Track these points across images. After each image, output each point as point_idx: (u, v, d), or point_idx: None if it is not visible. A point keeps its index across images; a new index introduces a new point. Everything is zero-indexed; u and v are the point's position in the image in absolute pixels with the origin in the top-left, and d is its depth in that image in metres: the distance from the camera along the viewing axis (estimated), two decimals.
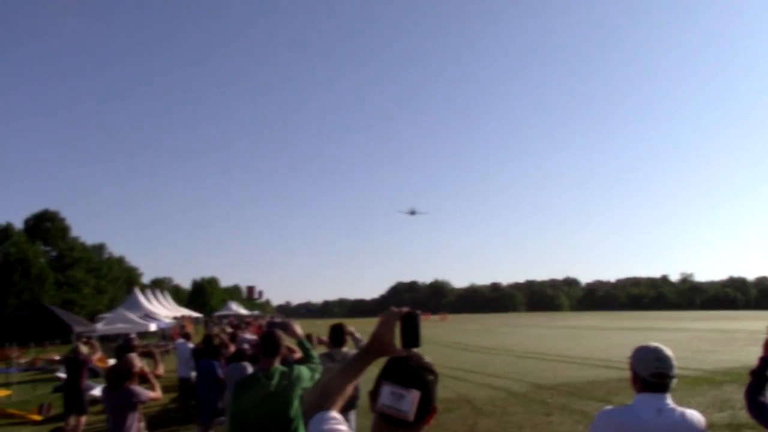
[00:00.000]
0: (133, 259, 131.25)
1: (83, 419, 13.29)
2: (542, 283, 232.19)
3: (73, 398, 13.24)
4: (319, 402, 2.24)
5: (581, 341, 35.37)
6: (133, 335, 22.17)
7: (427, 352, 2.03)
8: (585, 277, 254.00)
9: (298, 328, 5.93)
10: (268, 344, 5.20)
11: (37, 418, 15.54)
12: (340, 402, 2.27)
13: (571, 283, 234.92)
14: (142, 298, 44.20)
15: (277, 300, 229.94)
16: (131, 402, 7.18)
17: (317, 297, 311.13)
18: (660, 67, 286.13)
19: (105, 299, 71.24)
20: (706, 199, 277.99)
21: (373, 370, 2.31)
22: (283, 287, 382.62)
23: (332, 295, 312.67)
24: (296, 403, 5.16)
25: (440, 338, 42.12)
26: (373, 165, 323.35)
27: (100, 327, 27.63)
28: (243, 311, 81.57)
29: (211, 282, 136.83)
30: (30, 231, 68.36)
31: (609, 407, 3.47)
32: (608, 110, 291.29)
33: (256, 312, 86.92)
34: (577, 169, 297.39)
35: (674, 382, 3.24)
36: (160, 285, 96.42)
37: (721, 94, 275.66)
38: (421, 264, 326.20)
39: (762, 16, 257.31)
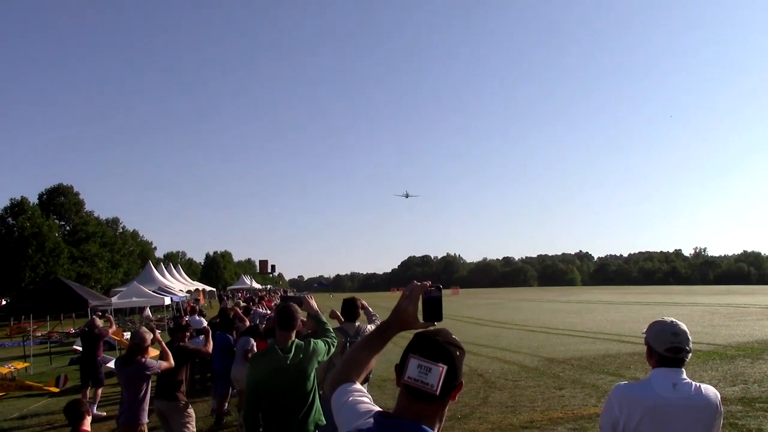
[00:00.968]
0: (147, 234, 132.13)
1: (99, 391, 13.49)
2: (554, 258, 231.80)
3: (90, 371, 13.42)
4: (342, 374, 2.28)
5: (593, 315, 35.33)
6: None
7: (439, 325, 2.04)
8: (597, 252, 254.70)
9: (313, 302, 5.96)
10: (285, 318, 5.22)
11: (55, 389, 15.73)
12: (363, 374, 2.31)
13: (583, 257, 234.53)
14: (156, 272, 44.45)
15: (289, 274, 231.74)
16: (144, 374, 7.33)
17: (329, 271, 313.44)
18: (671, 42, 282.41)
19: (119, 273, 71.57)
20: (720, 174, 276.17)
21: (387, 345, 2.34)
22: (295, 261, 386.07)
23: (344, 269, 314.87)
24: (312, 376, 5.20)
25: (452, 312, 42.14)
26: (388, 140, 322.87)
27: (115, 301, 27.86)
28: (256, 285, 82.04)
29: (225, 256, 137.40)
30: (44, 205, 68.55)
31: (624, 382, 3.47)
32: (624, 87, 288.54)
33: (269, 286, 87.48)
34: (591, 144, 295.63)
35: (689, 356, 3.24)
36: (173, 259, 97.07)
37: (733, 69, 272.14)
38: (433, 239, 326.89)
39: None
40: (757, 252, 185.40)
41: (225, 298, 53.00)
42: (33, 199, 66.36)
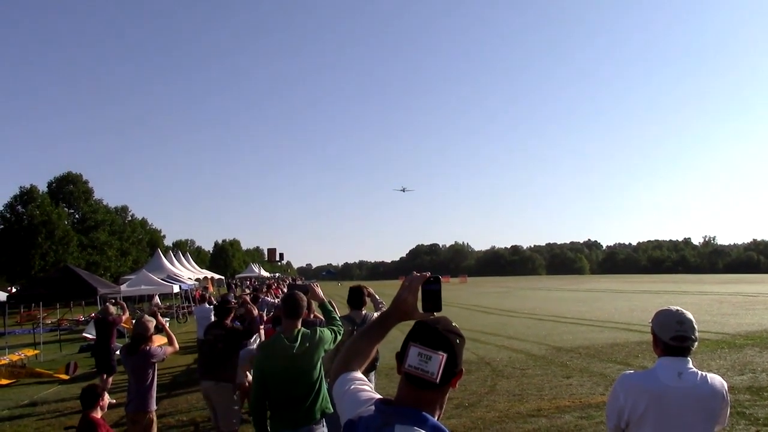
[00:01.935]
0: (156, 222, 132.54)
1: (110, 379, 13.56)
2: (563, 246, 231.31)
3: (103, 358, 13.48)
4: (344, 363, 2.30)
5: (601, 304, 35.33)
6: (230, 295, 22.47)
7: (447, 314, 2.04)
8: (606, 240, 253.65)
9: (320, 290, 5.96)
10: (291, 306, 5.23)
11: (64, 377, 15.85)
12: (365, 363, 2.33)
13: (591, 246, 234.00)
14: (165, 260, 44.52)
15: (298, 262, 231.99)
16: (149, 362, 7.37)
17: (338, 259, 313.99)
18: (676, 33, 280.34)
19: (128, 261, 71.80)
20: (729, 162, 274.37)
21: (394, 333, 2.34)
22: (304, 250, 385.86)
23: (353, 258, 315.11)
24: (319, 364, 5.21)
25: (460, 301, 42.24)
26: (397, 128, 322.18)
27: (124, 288, 27.95)
28: (264, 273, 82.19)
29: (233, 244, 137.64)
30: (53, 194, 68.76)
31: (630, 371, 3.47)
32: (629, 73, 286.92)
33: (277, 274, 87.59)
34: (600, 133, 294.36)
35: (695, 345, 3.23)
36: (182, 247, 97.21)
37: (741, 55, 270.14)
38: (441, 227, 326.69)
39: None
40: (767, 241, 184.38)
41: (233, 286, 53.13)
42: (42, 188, 66.62)
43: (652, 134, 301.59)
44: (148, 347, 7.43)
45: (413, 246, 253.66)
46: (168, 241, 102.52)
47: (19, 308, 37.72)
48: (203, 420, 10.80)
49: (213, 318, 15.24)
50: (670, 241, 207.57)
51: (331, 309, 5.79)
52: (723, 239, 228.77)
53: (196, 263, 66.26)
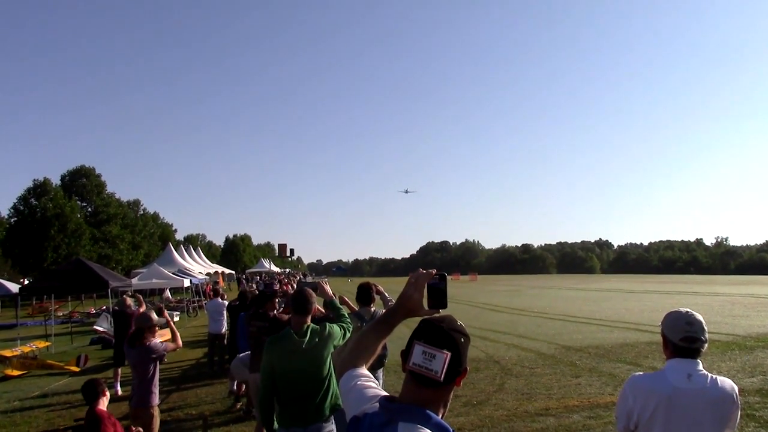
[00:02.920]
0: (168, 216, 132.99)
1: (120, 369, 13.62)
2: (574, 245, 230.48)
3: (122, 350, 13.55)
4: (350, 359, 2.31)
5: (612, 304, 35.16)
6: (275, 283, 22.47)
7: (457, 311, 2.06)
8: (617, 240, 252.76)
9: (328, 288, 5.98)
10: (300, 302, 5.23)
11: (75, 369, 15.97)
12: (370, 360, 2.34)
13: (603, 245, 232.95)
14: (176, 254, 44.69)
15: (308, 258, 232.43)
16: (149, 357, 7.35)
17: (348, 256, 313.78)
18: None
19: (140, 255, 72.24)
20: (742, 163, 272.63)
21: (402, 329, 2.35)
22: (314, 246, 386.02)
23: (363, 254, 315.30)
24: (329, 360, 5.21)
25: (470, 298, 42.19)
26: (409, 125, 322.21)
27: (136, 282, 28.06)
28: (275, 269, 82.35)
29: (244, 239, 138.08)
30: (66, 187, 69.30)
31: (639, 373, 3.46)
32: (639, 75, 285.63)
33: (287, 270, 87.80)
34: (612, 132, 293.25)
35: (705, 347, 3.21)
36: (193, 241, 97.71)
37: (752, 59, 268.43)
38: (452, 224, 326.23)
39: None
40: None
41: (244, 281, 53.34)
42: (56, 181, 67.06)
43: (665, 134, 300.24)
44: (148, 342, 7.41)
45: (424, 243, 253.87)
46: (179, 236, 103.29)
47: (31, 300, 38.00)
48: (211, 414, 10.86)
49: (225, 313, 15.39)
50: (682, 241, 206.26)
51: (340, 306, 5.80)
52: (735, 240, 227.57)
53: (207, 258, 66.50)
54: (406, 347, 1.96)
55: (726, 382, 3.15)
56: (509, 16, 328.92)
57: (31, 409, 12.00)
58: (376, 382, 2.24)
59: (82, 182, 72.45)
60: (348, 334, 5.43)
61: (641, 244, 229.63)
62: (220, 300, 16.17)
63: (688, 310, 3.28)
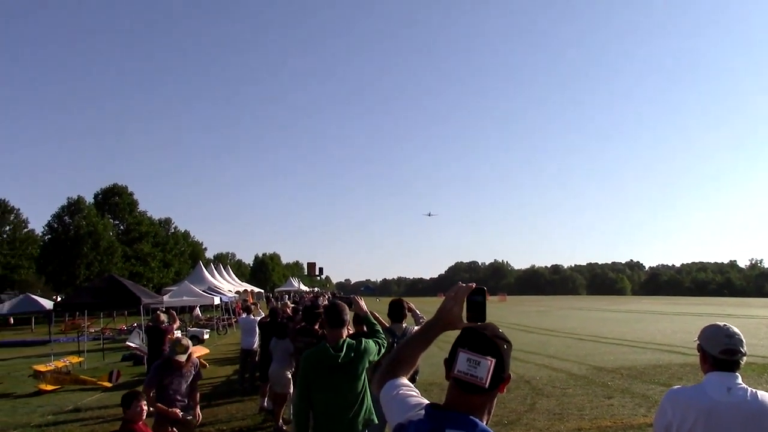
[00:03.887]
0: (198, 234, 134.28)
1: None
2: (604, 266, 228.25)
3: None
4: (389, 370, 2.34)
5: (643, 325, 34.72)
6: (322, 299, 22.58)
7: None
8: (649, 261, 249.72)
9: (363, 303, 5.98)
10: (334, 315, 5.24)
11: (107, 384, 16.12)
12: (409, 372, 2.37)
13: (634, 266, 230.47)
14: (206, 273, 44.98)
15: (336, 277, 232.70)
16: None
17: (376, 275, 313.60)
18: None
19: (171, 272, 72.96)
20: None
21: (431, 349, 2.38)
22: (343, 265, 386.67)
23: (391, 274, 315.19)
24: (364, 375, 5.21)
25: (500, 319, 41.88)
26: (438, 145, 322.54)
27: (167, 299, 28.30)
28: (303, 287, 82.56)
29: (273, 258, 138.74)
30: (99, 205, 70.30)
31: (677, 386, 3.42)
32: (670, 95, 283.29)
33: (316, 289, 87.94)
34: (644, 151, 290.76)
35: (744, 360, 3.18)
36: (223, 260, 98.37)
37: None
38: (481, 244, 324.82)
39: None
40: None
41: (274, 299, 53.50)
42: (89, 199, 68.06)
43: (697, 153, 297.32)
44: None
45: (452, 263, 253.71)
46: (209, 254, 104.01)
47: (64, 317, 38.50)
48: (241, 429, 10.91)
49: (258, 329, 15.47)
50: (715, 263, 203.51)
51: (375, 321, 5.81)
52: None
53: (236, 276, 66.88)
54: (450, 355, 1.98)
55: (766, 395, 3.10)
56: (537, 41, 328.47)
57: (64, 423, 12.15)
58: (417, 391, 2.26)
59: (114, 200, 73.42)
60: (383, 350, 5.42)
61: (673, 265, 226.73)
62: (252, 317, 16.26)
63: (726, 323, 3.26)
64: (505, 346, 2.00)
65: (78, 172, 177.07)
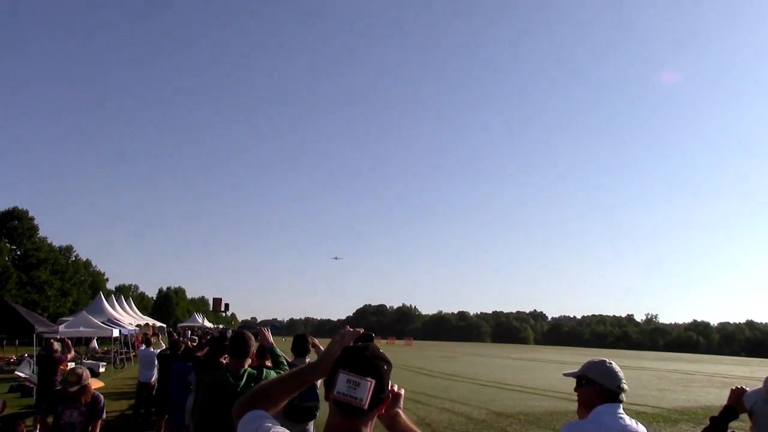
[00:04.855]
0: (101, 264, 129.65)
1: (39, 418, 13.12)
2: (509, 315, 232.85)
3: (46, 396, 13.09)
4: (256, 399, 2.24)
5: (544, 373, 35.53)
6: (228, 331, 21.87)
7: (391, 375, 2.10)
8: (552, 311, 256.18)
9: (269, 335, 6.00)
10: (239, 345, 5.19)
11: None
12: (273, 410, 2.25)
13: (537, 316, 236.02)
14: (106, 304, 43.43)
15: (243, 315, 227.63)
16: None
17: (283, 315, 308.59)
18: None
19: (68, 302, 70.02)
20: (676, 244, 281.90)
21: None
22: (249, 302, 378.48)
23: (299, 314, 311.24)
24: None
25: (405, 362, 42.05)
26: (352, 185, 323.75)
27: (62, 329, 27.16)
28: (208, 324, 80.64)
29: (178, 292, 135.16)
30: None
31: (573, 421, 3.49)
32: (582, 149, 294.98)
33: (221, 326, 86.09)
34: (551, 206, 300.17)
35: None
36: (125, 292, 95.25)
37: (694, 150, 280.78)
38: (390, 288, 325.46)
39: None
40: (706, 322, 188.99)
41: (176, 335, 52.08)
42: None
43: (599, 204, 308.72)
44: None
45: (361, 305, 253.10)
46: (111, 285, 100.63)
47: None
48: None
49: (157, 362, 15.02)
50: (614, 316, 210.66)
51: (279, 354, 5.82)
52: (665, 317, 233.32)
53: (138, 309, 64.81)
54: (329, 376, 1.97)
55: (641, 425, 3.24)
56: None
57: None
58: (285, 429, 2.11)
59: (13, 224, 70.24)
60: None
61: (574, 317, 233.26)
62: (151, 349, 15.81)
63: (608, 359, 3.48)
64: (386, 367, 1.99)
65: None
